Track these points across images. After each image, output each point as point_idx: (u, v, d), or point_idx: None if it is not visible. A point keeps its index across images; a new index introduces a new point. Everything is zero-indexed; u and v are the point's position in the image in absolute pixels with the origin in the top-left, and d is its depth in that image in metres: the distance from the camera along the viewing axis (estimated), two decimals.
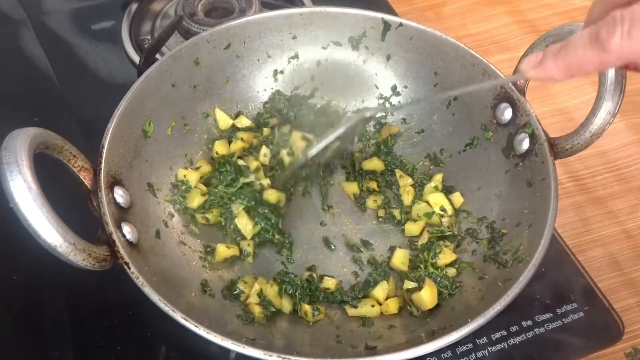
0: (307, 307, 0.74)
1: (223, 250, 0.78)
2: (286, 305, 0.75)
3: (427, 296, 0.73)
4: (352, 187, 0.87)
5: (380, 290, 0.76)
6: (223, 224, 0.81)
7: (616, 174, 1.01)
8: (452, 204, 0.84)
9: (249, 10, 1.07)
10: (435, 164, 0.89)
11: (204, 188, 0.83)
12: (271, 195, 0.81)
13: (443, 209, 0.83)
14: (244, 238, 0.80)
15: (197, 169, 0.85)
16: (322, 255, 0.82)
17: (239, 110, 0.91)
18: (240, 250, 0.80)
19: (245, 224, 0.79)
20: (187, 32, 1.04)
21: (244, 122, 0.90)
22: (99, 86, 1.02)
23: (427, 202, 0.84)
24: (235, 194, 0.81)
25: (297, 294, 0.75)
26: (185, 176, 0.83)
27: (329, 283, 0.78)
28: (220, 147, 0.87)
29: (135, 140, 0.77)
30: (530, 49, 0.78)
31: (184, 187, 0.82)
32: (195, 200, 0.81)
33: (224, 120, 0.89)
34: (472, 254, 0.79)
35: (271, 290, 0.75)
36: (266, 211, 0.79)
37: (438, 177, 0.86)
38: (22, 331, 0.76)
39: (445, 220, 0.83)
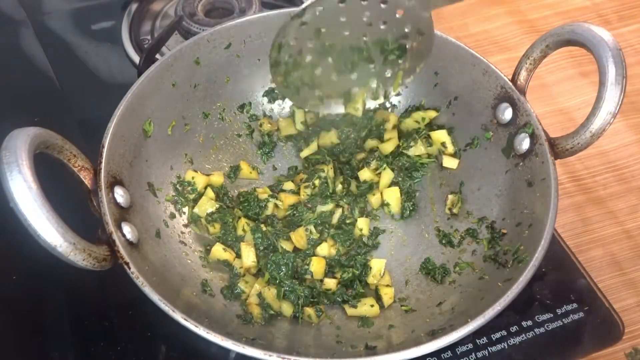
0: (310, 310, 0.74)
1: (218, 252, 0.78)
2: (286, 309, 0.75)
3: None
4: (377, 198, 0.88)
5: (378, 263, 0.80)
6: (224, 237, 0.82)
7: (616, 174, 1.01)
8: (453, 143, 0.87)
9: (249, 10, 1.07)
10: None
11: (213, 196, 0.83)
12: (286, 244, 0.81)
13: (444, 145, 0.86)
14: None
15: (208, 175, 0.85)
16: None
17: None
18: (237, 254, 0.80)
19: (248, 256, 0.79)
20: (187, 32, 1.04)
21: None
22: (99, 86, 1.02)
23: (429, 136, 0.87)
24: (252, 229, 0.81)
25: (299, 302, 0.75)
26: (193, 178, 0.83)
27: (330, 284, 0.78)
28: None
29: (136, 139, 0.77)
30: (530, 49, 0.78)
31: (189, 188, 0.83)
32: (208, 206, 0.82)
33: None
34: (472, 254, 0.79)
35: (269, 294, 0.75)
36: (279, 258, 0.77)
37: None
38: (22, 331, 0.76)
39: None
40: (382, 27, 0.69)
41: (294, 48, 0.71)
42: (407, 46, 0.70)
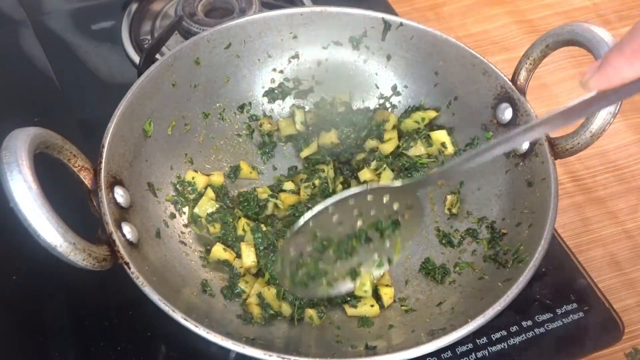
0: (311, 312, 0.74)
1: (218, 251, 0.78)
2: (286, 309, 0.75)
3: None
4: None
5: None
6: (224, 237, 0.82)
7: (616, 174, 1.01)
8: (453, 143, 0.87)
9: (249, 10, 1.07)
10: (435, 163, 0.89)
11: (213, 196, 0.83)
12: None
13: (444, 146, 0.86)
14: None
15: (208, 175, 0.85)
16: None
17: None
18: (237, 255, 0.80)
19: (248, 256, 0.79)
20: (187, 32, 1.04)
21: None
22: (99, 86, 1.02)
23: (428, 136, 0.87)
24: (252, 230, 0.80)
25: (296, 302, 0.75)
26: (193, 178, 0.83)
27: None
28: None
29: (136, 139, 0.77)
30: (530, 49, 0.78)
31: (190, 188, 0.83)
32: (208, 206, 0.82)
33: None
34: (472, 254, 0.79)
35: (269, 294, 0.75)
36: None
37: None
38: (22, 331, 0.76)
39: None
40: (372, 213, 0.73)
41: (294, 256, 0.73)
42: (399, 220, 0.74)
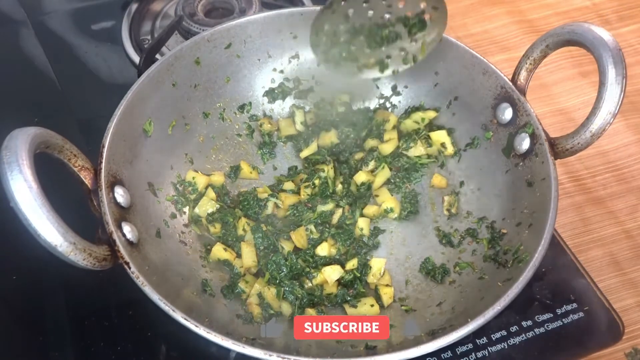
0: (311, 312, 0.74)
1: (219, 251, 0.78)
2: (286, 308, 0.75)
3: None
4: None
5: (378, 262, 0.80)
6: (225, 237, 0.82)
7: (616, 174, 1.01)
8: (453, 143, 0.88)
9: (249, 10, 1.07)
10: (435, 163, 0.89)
11: (214, 196, 0.83)
12: (286, 244, 0.81)
13: (444, 146, 0.87)
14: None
15: (208, 175, 0.85)
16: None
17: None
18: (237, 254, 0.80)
19: (248, 255, 0.79)
20: (187, 32, 1.04)
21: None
22: (99, 86, 1.02)
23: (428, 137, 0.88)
24: (253, 229, 0.81)
25: (297, 302, 0.75)
26: (194, 178, 0.83)
27: (331, 287, 0.78)
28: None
29: (136, 139, 0.77)
30: (530, 49, 0.78)
31: (190, 188, 0.83)
32: (208, 206, 0.82)
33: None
34: (472, 254, 0.79)
35: (269, 293, 0.75)
36: (280, 259, 0.78)
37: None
38: (22, 331, 0.76)
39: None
40: (400, 6, 0.80)
41: (328, 31, 0.82)
42: (425, 19, 0.81)
